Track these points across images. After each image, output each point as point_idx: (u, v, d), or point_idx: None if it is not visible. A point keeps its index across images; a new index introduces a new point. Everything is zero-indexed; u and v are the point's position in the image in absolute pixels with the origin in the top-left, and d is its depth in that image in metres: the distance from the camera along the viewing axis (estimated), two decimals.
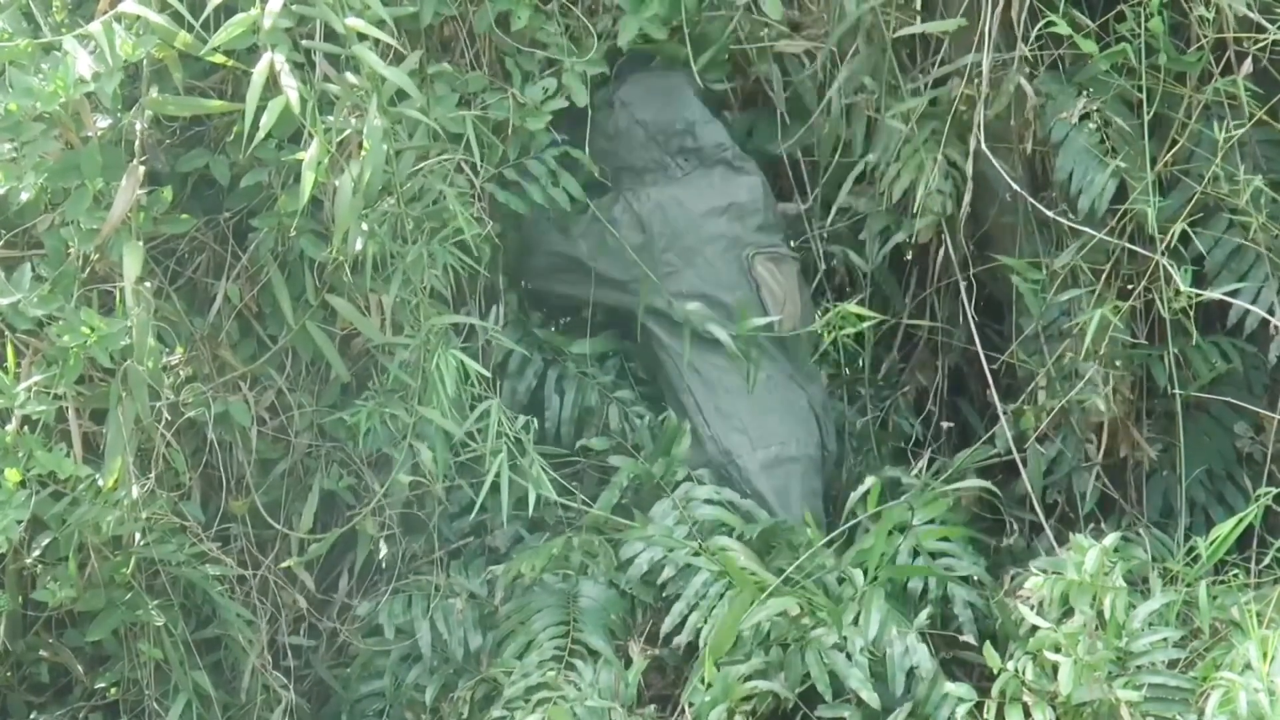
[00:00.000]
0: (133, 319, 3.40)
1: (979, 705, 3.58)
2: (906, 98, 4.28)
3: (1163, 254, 4.03)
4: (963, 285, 4.34)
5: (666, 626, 3.84)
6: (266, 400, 3.94)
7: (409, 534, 4.09)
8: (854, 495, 3.96)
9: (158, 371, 3.54)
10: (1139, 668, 3.51)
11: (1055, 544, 4.06)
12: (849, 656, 3.63)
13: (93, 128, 3.41)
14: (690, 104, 4.30)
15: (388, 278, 3.69)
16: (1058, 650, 3.50)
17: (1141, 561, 3.84)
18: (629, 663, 3.84)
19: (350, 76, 3.39)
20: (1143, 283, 4.16)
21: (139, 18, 3.25)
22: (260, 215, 3.78)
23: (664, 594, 3.91)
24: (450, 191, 3.73)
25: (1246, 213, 4.10)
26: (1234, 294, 4.12)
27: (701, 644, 3.74)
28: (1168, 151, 4.13)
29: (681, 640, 3.82)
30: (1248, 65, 4.01)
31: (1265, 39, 3.97)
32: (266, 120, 3.21)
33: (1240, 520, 3.71)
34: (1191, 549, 3.81)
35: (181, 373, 3.87)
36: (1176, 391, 4.16)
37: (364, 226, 3.54)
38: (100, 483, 3.51)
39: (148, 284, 3.54)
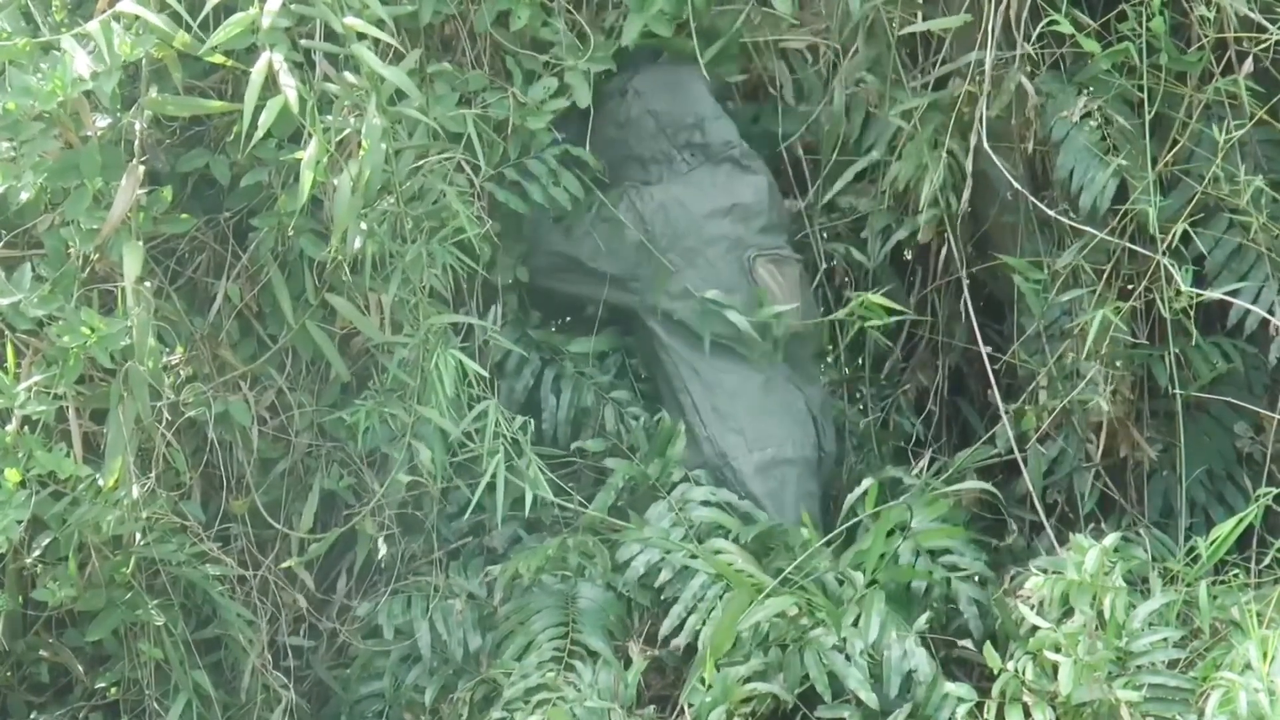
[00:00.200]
0: (133, 319, 3.40)
1: (979, 705, 3.57)
2: (909, 95, 4.28)
3: (1163, 254, 4.03)
4: (965, 284, 4.34)
5: (665, 629, 3.84)
6: (266, 400, 3.94)
7: (408, 534, 4.08)
8: (853, 496, 3.96)
9: (158, 371, 3.54)
10: (1139, 668, 3.51)
11: (1055, 544, 4.06)
12: (848, 658, 3.63)
13: (92, 127, 3.41)
14: (702, 99, 4.30)
15: (387, 277, 3.69)
16: (1058, 650, 3.50)
17: (1141, 561, 3.84)
18: (628, 663, 3.84)
19: (349, 76, 3.39)
20: (1144, 283, 4.16)
21: (137, 17, 3.25)
22: (260, 215, 3.78)
23: (662, 596, 3.90)
24: (450, 191, 3.73)
25: (1247, 213, 4.10)
26: (1234, 294, 4.12)
27: (700, 645, 3.74)
28: (1168, 151, 4.13)
29: (680, 642, 3.82)
30: (1248, 65, 4.01)
31: (1266, 39, 3.97)
32: (265, 120, 3.21)
33: (1240, 520, 3.71)
34: (1191, 549, 3.80)
35: (181, 372, 3.87)
36: (1177, 391, 4.16)
37: (363, 226, 3.54)
38: (100, 483, 3.51)
39: (148, 284, 3.54)
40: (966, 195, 4.22)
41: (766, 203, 4.31)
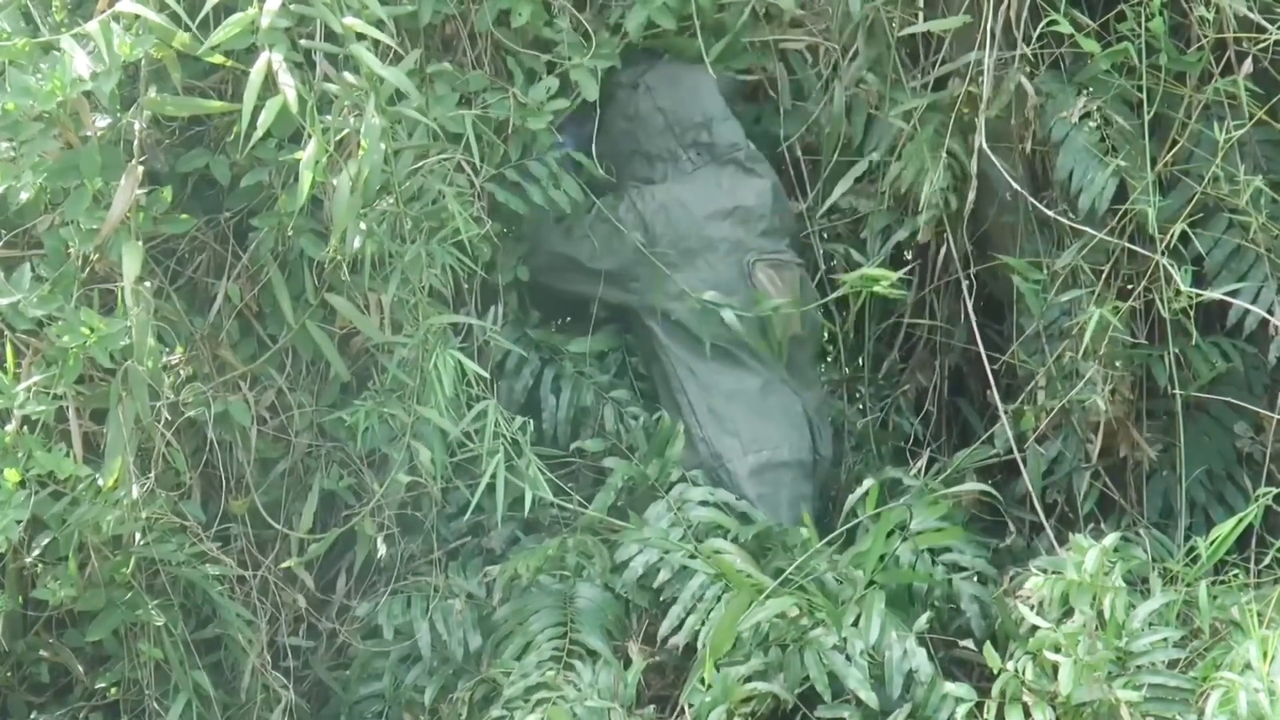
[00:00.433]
0: (133, 319, 3.40)
1: (979, 705, 3.57)
2: (908, 96, 4.28)
3: (1163, 254, 4.03)
4: (964, 285, 4.34)
5: (664, 629, 3.84)
6: (266, 400, 3.94)
7: (407, 534, 4.08)
8: (853, 496, 3.96)
9: (158, 371, 3.54)
10: (1139, 668, 3.51)
11: (1055, 544, 4.06)
12: (848, 658, 3.63)
13: (91, 127, 3.41)
14: (711, 99, 4.29)
15: (386, 277, 3.69)
16: (1058, 650, 3.50)
17: (1141, 561, 3.84)
18: (628, 663, 3.84)
19: (349, 76, 3.39)
20: (1143, 283, 4.16)
21: (137, 17, 3.25)
22: (260, 215, 3.78)
23: (660, 597, 3.90)
24: (449, 191, 3.73)
25: (1246, 213, 4.10)
26: (1234, 294, 4.12)
27: (700, 645, 3.74)
28: (1168, 151, 4.13)
29: (679, 641, 3.82)
30: (1248, 65, 4.02)
31: (1265, 39, 3.97)
32: (265, 120, 3.21)
33: (1240, 520, 3.71)
34: (1191, 549, 3.80)
35: (181, 372, 3.86)
36: (1176, 391, 4.16)
37: (362, 226, 3.54)
38: (100, 483, 3.51)
39: (148, 284, 3.53)
40: (970, 196, 4.22)
41: (769, 206, 4.30)
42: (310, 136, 3.28)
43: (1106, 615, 3.50)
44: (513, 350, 4.21)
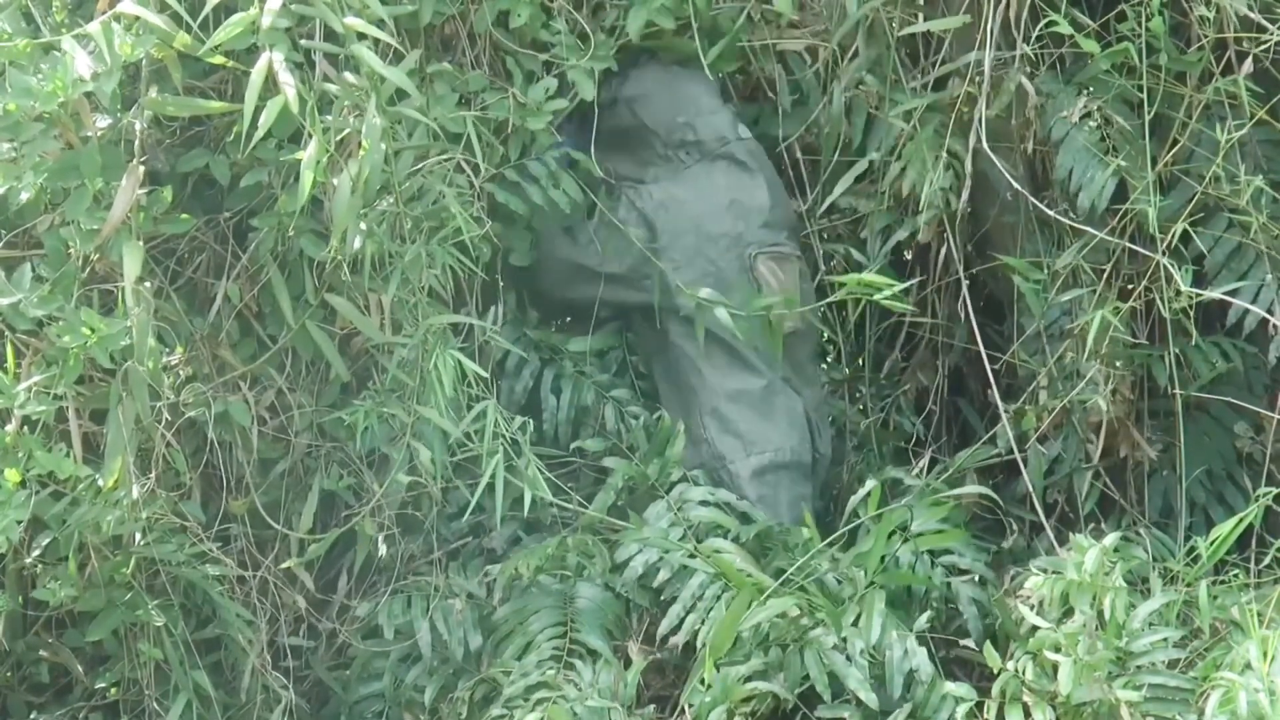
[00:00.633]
0: (133, 319, 3.40)
1: (979, 705, 3.57)
2: (908, 96, 4.28)
3: (1163, 254, 4.03)
4: (964, 285, 4.34)
5: (664, 628, 3.84)
6: (266, 400, 3.94)
7: (407, 534, 4.08)
8: (855, 498, 3.96)
9: (158, 371, 3.54)
10: (1139, 668, 3.51)
11: (1055, 544, 4.06)
12: (848, 658, 3.63)
13: (92, 128, 3.41)
14: (692, 97, 4.29)
15: (386, 277, 3.69)
16: (1058, 650, 3.50)
17: (1141, 561, 3.84)
18: (628, 663, 3.84)
19: (349, 76, 3.39)
20: (1143, 282, 4.16)
21: (138, 18, 3.25)
22: (260, 215, 3.78)
23: (660, 596, 3.90)
24: (449, 192, 3.73)
25: (1247, 213, 4.11)
26: (1234, 294, 4.12)
27: (700, 645, 3.74)
28: (1168, 151, 4.13)
29: (679, 641, 3.82)
30: (1248, 65, 4.02)
31: (1266, 39, 3.97)
32: (265, 120, 3.21)
33: (1240, 520, 3.71)
34: (1191, 549, 3.80)
35: (181, 373, 3.86)
36: (1177, 391, 4.17)
37: (363, 226, 3.54)
38: (100, 483, 3.51)
39: (148, 284, 3.53)
40: (964, 195, 4.22)
41: (766, 199, 4.29)
42: (311, 136, 3.28)
43: (1106, 615, 3.50)
44: (513, 351, 4.21)
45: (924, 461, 4.32)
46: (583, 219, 4.27)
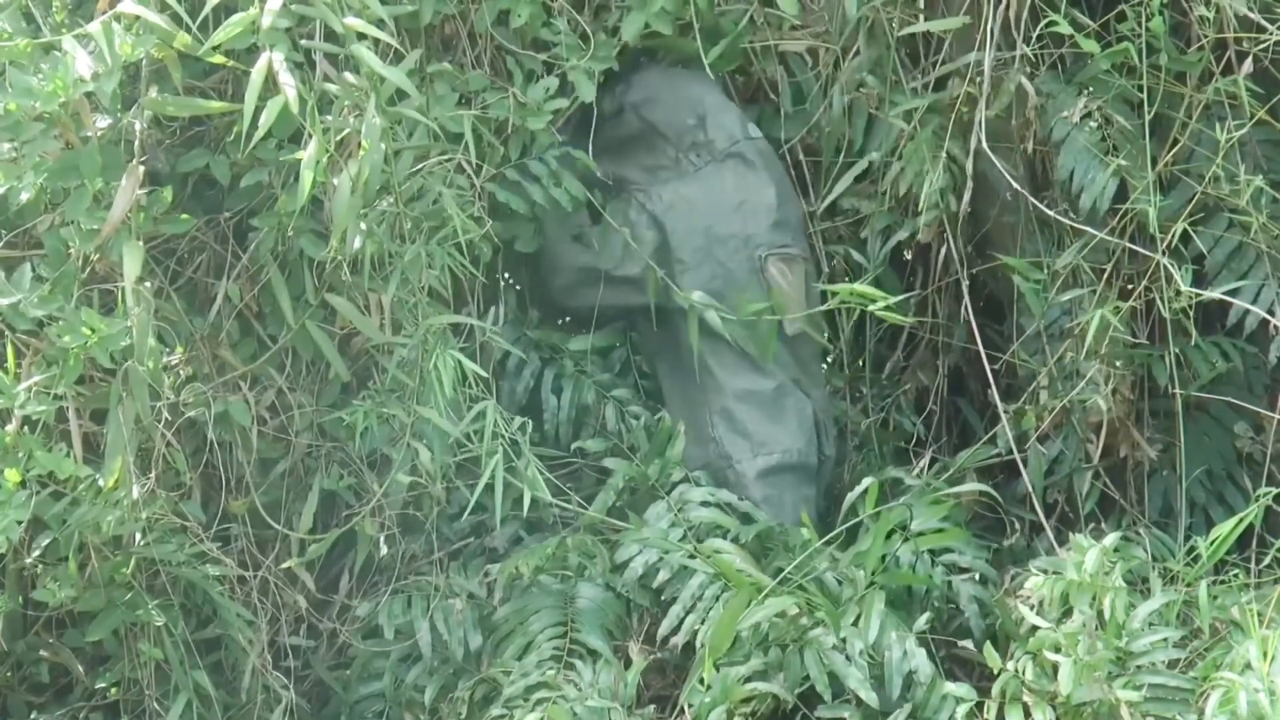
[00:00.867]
0: (133, 319, 3.40)
1: (979, 705, 3.58)
2: (908, 96, 4.28)
3: (1163, 254, 4.03)
4: (965, 285, 4.34)
5: (664, 629, 3.84)
6: (266, 400, 3.94)
7: (408, 534, 4.08)
8: (851, 495, 3.96)
9: (158, 371, 3.54)
10: (1139, 668, 3.51)
11: (1055, 544, 4.06)
12: (848, 658, 3.63)
13: (92, 128, 3.41)
14: (699, 98, 4.29)
15: (386, 277, 3.69)
16: (1058, 650, 3.50)
17: (1141, 561, 3.85)
18: (628, 663, 3.84)
19: (349, 76, 3.39)
20: (1143, 282, 4.16)
21: (138, 18, 3.25)
22: (260, 215, 3.78)
23: (660, 596, 3.90)
24: (449, 192, 3.73)
25: (1247, 212, 4.11)
26: (1234, 294, 4.13)
27: (700, 645, 3.74)
28: (1168, 151, 4.13)
29: (679, 641, 3.82)
30: (1248, 65, 4.02)
31: (1266, 39, 3.97)
32: (265, 120, 3.21)
33: (1240, 520, 3.71)
34: (1191, 549, 3.81)
35: (181, 373, 3.86)
36: (1177, 391, 4.17)
37: (363, 226, 3.54)
38: (100, 483, 3.51)
39: (148, 284, 3.53)
40: (967, 196, 4.22)
41: (774, 199, 4.29)
42: (311, 136, 3.28)
43: (1106, 615, 3.50)
44: (513, 351, 4.21)
45: (924, 461, 4.33)
46: (591, 224, 4.27)
